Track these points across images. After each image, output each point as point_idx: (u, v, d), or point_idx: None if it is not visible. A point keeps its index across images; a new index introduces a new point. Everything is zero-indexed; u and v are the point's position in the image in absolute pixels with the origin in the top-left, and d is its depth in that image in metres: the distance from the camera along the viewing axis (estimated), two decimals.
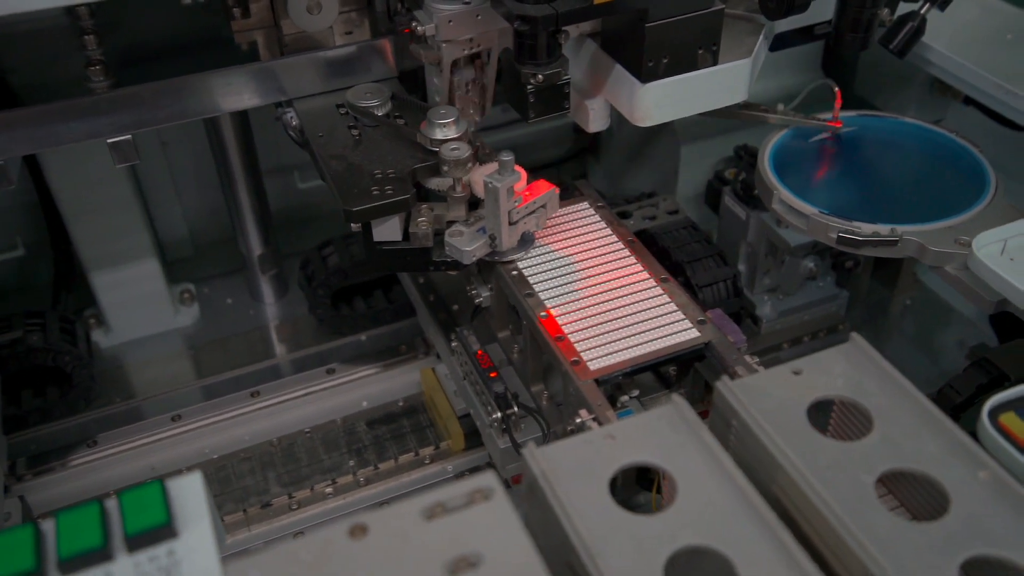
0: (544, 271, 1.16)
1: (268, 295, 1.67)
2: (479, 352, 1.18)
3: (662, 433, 0.81)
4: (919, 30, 1.27)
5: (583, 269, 1.17)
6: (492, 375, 1.15)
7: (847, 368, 0.86)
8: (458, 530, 0.67)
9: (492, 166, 1.12)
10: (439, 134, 1.09)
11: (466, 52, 1.16)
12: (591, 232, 1.23)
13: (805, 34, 1.49)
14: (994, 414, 0.83)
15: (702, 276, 1.33)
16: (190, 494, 0.67)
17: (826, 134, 1.31)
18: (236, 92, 1.18)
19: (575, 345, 1.07)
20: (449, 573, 0.64)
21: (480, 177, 1.10)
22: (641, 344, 1.07)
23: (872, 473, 0.77)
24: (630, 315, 1.10)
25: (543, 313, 1.10)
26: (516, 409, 1.12)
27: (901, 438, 0.80)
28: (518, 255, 1.15)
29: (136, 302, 1.56)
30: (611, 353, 1.06)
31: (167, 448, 1.34)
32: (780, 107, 1.33)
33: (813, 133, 1.30)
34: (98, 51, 1.18)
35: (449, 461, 1.31)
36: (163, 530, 0.64)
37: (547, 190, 1.11)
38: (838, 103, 1.31)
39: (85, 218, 1.45)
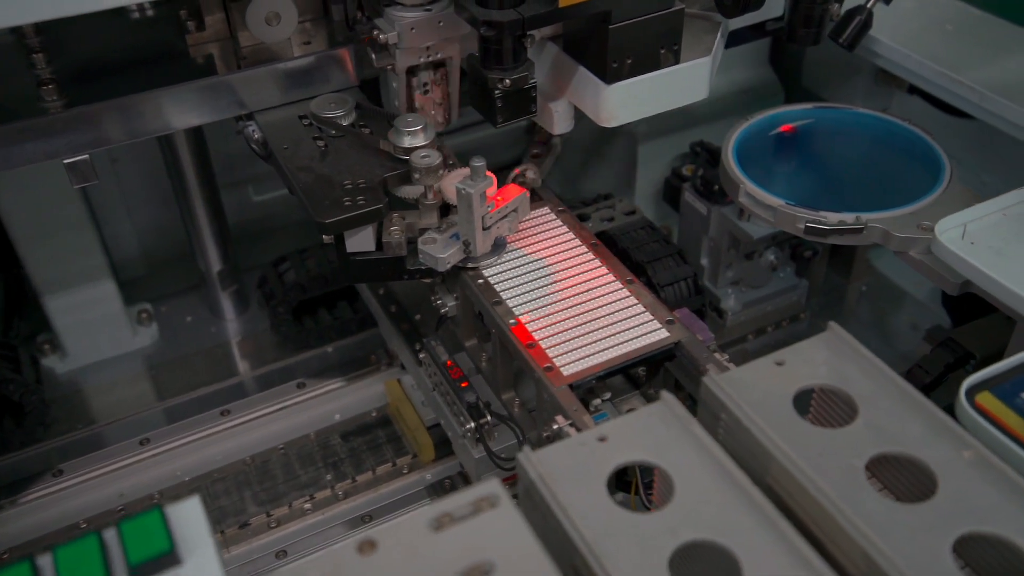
0: (510, 278, 1.16)
1: (229, 311, 1.64)
2: (448, 362, 1.17)
3: (655, 431, 0.82)
4: (867, 23, 1.30)
5: (549, 275, 1.16)
6: (463, 385, 1.14)
7: (828, 356, 0.88)
8: (468, 539, 0.66)
9: (462, 172, 1.12)
10: (408, 142, 1.09)
11: (428, 59, 1.16)
12: (554, 237, 1.23)
13: (756, 31, 1.52)
14: (971, 394, 0.86)
15: (663, 275, 1.34)
16: (191, 519, 0.66)
17: (782, 127, 1.33)
18: (196, 107, 1.16)
19: (547, 351, 1.06)
20: None
21: (451, 183, 1.10)
22: (612, 347, 1.07)
23: (861, 458, 0.79)
24: (599, 318, 1.10)
25: (512, 321, 1.10)
26: (489, 418, 1.12)
27: (886, 422, 0.81)
28: (491, 260, 1.15)
29: (93, 325, 1.53)
30: (583, 357, 1.06)
31: (137, 473, 1.31)
32: None
33: (773, 127, 1.32)
34: (48, 69, 1.16)
35: (427, 470, 1.30)
36: (167, 558, 0.63)
37: (518, 194, 1.11)
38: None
39: (37, 241, 1.41)
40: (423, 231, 1.11)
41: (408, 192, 1.10)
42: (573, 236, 1.23)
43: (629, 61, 1.09)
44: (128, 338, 1.57)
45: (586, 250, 1.21)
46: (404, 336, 1.32)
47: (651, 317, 1.10)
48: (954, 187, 1.17)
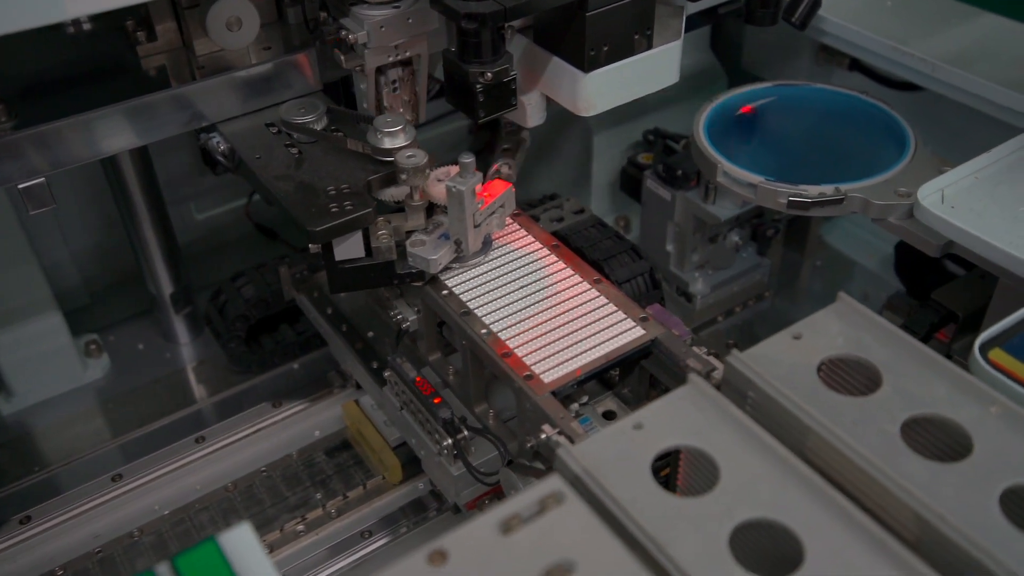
0: (475, 287, 1.11)
1: (183, 335, 1.58)
2: (418, 379, 1.11)
3: (689, 414, 0.81)
4: (817, 2, 1.33)
5: (514, 280, 1.13)
6: (436, 401, 1.08)
7: (843, 327, 0.89)
8: (541, 539, 0.64)
9: (443, 171, 1.09)
10: (389, 143, 1.05)
11: (397, 58, 1.13)
12: (514, 241, 1.19)
13: (704, 16, 1.53)
14: (984, 352, 0.88)
15: (620, 272, 1.32)
16: (245, 547, 0.62)
17: (747, 107, 1.35)
18: (158, 121, 1.10)
19: (524, 360, 1.02)
20: None
21: (433, 183, 1.07)
22: (590, 349, 1.04)
23: (895, 423, 0.80)
24: (572, 321, 1.07)
25: (484, 331, 1.05)
26: (466, 433, 1.07)
27: (911, 386, 0.82)
28: (479, 259, 1.12)
29: (40, 361, 1.44)
30: (562, 363, 1.02)
31: (111, 512, 1.23)
32: None
33: (737, 107, 1.34)
34: None
35: (419, 479, 1.27)
36: None
37: (504, 189, 1.09)
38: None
39: None
40: (409, 233, 1.08)
41: (391, 194, 1.07)
42: (533, 239, 1.19)
43: (606, 48, 1.09)
44: (78, 372, 1.49)
45: (548, 252, 1.17)
46: (360, 355, 1.26)
47: (624, 316, 1.08)
48: (922, 153, 1.20)
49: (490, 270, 1.14)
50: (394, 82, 1.15)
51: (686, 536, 0.71)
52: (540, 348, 1.04)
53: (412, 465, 1.24)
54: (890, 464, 0.76)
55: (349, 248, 1.03)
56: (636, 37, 1.11)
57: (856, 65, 1.59)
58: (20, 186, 1.04)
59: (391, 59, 1.12)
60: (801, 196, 1.15)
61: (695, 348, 1.04)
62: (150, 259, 1.48)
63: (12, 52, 1.14)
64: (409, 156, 1.03)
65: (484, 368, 1.10)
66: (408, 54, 1.14)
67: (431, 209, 1.10)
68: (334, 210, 1.00)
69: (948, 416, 0.80)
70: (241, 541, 0.62)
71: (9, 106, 1.04)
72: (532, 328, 1.06)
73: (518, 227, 1.22)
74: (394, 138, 1.06)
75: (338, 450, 1.33)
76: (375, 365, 1.24)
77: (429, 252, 1.05)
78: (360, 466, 1.30)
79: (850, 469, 0.77)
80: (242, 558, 0.61)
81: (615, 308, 1.09)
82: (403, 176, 1.03)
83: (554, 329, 1.07)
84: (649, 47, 1.13)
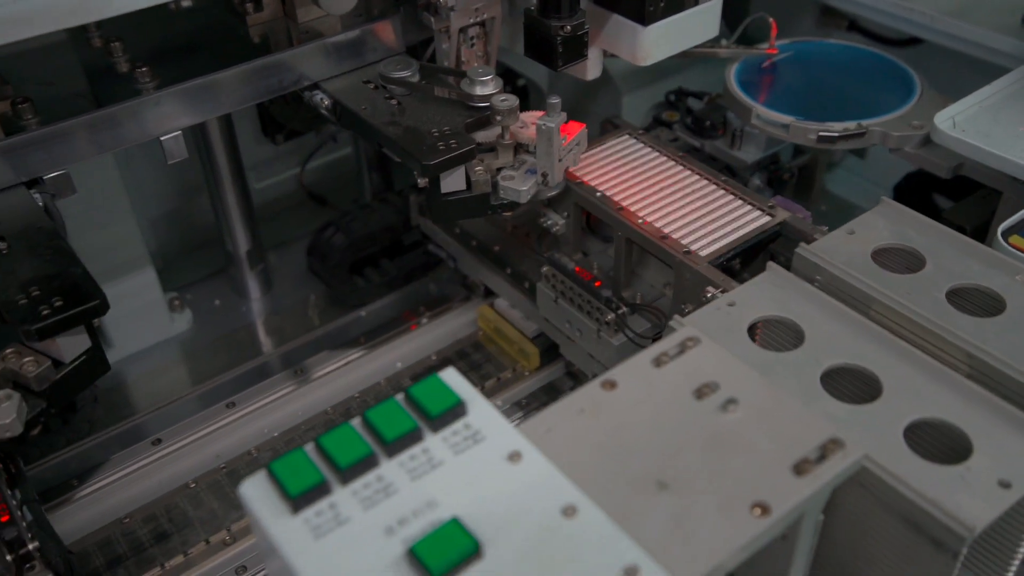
0: (621, 190, 1.29)
1: (255, 291, 1.71)
2: (577, 268, 1.27)
3: (771, 292, 0.99)
4: None
5: (653, 183, 1.30)
6: (597, 284, 1.25)
7: (888, 223, 1.06)
8: (687, 368, 0.81)
9: (527, 115, 1.25)
10: (481, 90, 1.21)
11: (477, 19, 1.29)
12: (644, 155, 1.37)
13: None
14: (1005, 236, 1.06)
15: None
16: (458, 382, 0.77)
17: (769, 61, 1.52)
18: (273, 80, 1.25)
19: (680, 240, 1.20)
20: (698, 398, 0.78)
21: (520, 125, 1.23)
22: (732, 231, 1.22)
23: (941, 291, 0.97)
24: (711, 211, 1.25)
25: (640, 220, 1.23)
26: (625, 309, 1.23)
27: (951, 264, 1.00)
28: (554, 191, 1.28)
29: (135, 314, 1.57)
30: (711, 242, 1.20)
31: (230, 433, 1.38)
32: (723, 42, 1.53)
33: (760, 63, 1.51)
34: (124, 57, 1.23)
35: (534, 376, 1.46)
36: (457, 408, 0.75)
37: (580, 129, 1.25)
38: (774, 32, 1.52)
39: (85, 233, 1.45)
40: (499, 170, 1.24)
41: (483, 136, 1.23)
42: (659, 153, 1.37)
43: (662, 4, 1.25)
44: (167, 325, 1.63)
45: (675, 162, 1.35)
46: (495, 263, 1.45)
47: (752, 206, 1.26)
48: (928, 93, 1.39)
49: (630, 178, 1.32)
50: (472, 37, 1.31)
51: (786, 379, 0.88)
52: (690, 232, 1.22)
53: (547, 354, 1.46)
54: (943, 319, 0.93)
55: (453, 182, 1.19)
56: None
57: (854, 26, 1.78)
58: (163, 138, 1.19)
59: (471, 21, 1.28)
60: (828, 131, 1.33)
61: (816, 227, 1.19)
62: (229, 219, 1.62)
63: (147, 24, 1.28)
64: (503, 100, 1.19)
65: (633, 256, 1.28)
66: (485, 16, 1.30)
67: (519, 148, 1.26)
68: (441, 147, 1.16)
69: (984, 284, 0.98)
70: (453, 377, 0.78)
71: (153, 68, 1.18)
72: (680, 218, 1.24)
73: (643, 145, 1.40)
74: (486, 86, 1.21)
75: (444, 364, 1.47)
76: (508, 271, 1.42)
77: (519, 184, 1.21)
78: (473, 371, 1.48)
79: (910, 325, 0.95)
80: (457, 385, 0.77)
81: (743, 201, 1.27)
82: (498, 117, 1.19)
83: (698, 218, 1.24)
84: (696, 3, 1.30)
